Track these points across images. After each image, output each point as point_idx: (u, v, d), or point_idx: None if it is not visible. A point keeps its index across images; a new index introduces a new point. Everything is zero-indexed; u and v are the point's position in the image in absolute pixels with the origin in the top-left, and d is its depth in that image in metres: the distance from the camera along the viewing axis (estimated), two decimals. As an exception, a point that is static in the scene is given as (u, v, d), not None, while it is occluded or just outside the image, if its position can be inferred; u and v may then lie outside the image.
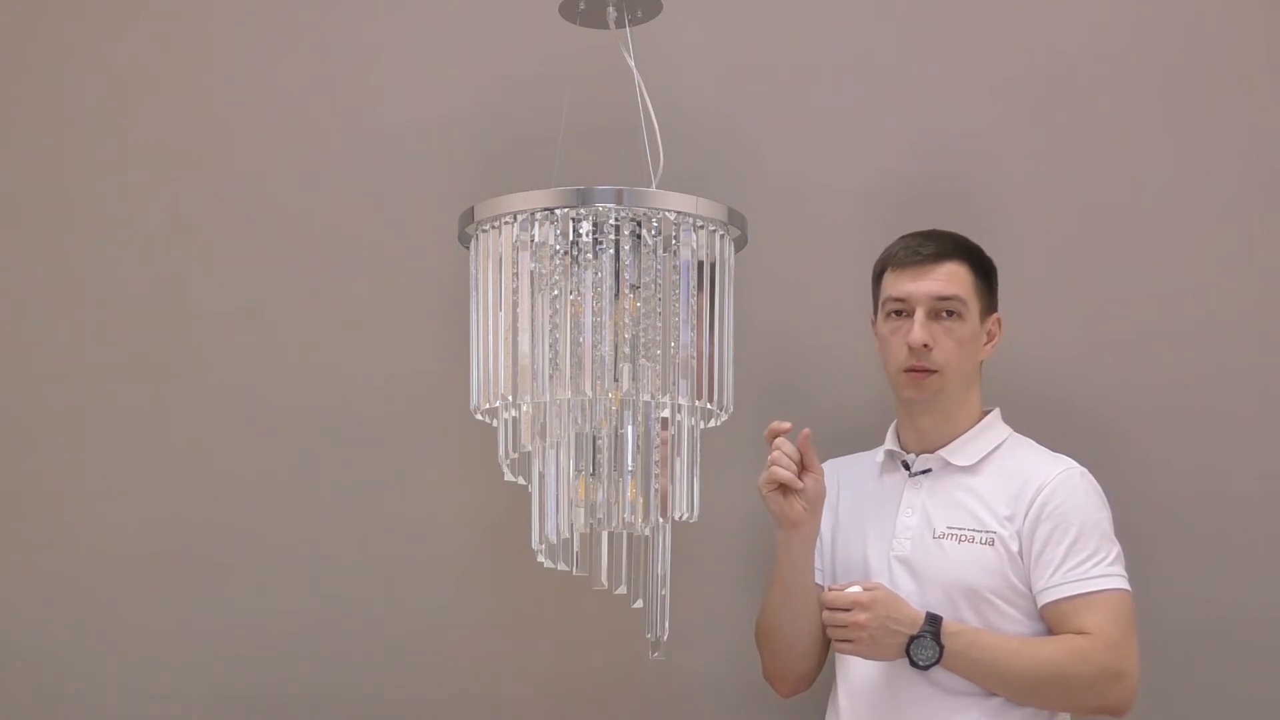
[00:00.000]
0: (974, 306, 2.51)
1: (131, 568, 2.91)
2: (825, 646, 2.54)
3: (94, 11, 2.90)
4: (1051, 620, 2.43)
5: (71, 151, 2.92)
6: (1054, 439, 2.58)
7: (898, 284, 2.52)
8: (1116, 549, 2.45)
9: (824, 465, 2.59)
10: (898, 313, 2.52)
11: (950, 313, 2.49)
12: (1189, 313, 2.87)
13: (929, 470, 2.54)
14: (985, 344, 2.55)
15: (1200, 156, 2.86)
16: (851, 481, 2.60)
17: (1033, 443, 2.57)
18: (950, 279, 2.50)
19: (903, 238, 2.56)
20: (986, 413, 2.58)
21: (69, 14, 2.90)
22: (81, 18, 2.90)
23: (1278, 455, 2.87)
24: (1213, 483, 2.86)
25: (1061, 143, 2.87)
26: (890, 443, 2.60)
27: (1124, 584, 2.43)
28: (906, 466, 2.56)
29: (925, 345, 2.48)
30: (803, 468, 2.43)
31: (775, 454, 2.42)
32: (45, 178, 2.92)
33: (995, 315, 2.56)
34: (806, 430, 2.44)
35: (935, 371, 2.49)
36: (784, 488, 2.42)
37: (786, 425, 2.43)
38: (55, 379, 2.92)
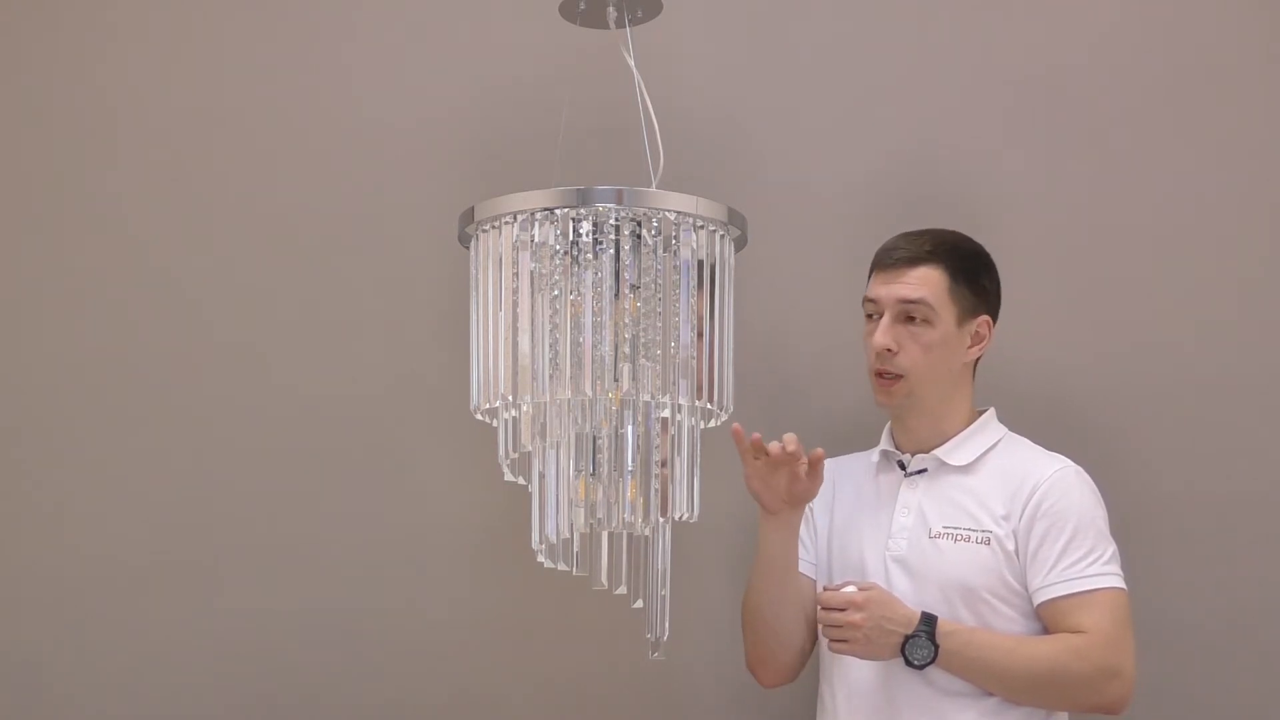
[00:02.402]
0: (947, 312, 2.49)
1: (132, 571, 2.91)
2: (808, 635, 2.54)
3: (97, 12, 2.90)
4: (1048, 619, 2.43)
5: (71, 155, 2.91)
6: (1051, 439, 2.58)
7: (873, 286, 2.53)
8: (1112, 547, 2.45)
9: (827, 463, 2.60)
10: (871, 315, 2.52)
11: (917, 317, 2.49)
12: (1188, 314, 2.87)
13: (924, 470, 2.54)
14: (970, 347, 2.53)
15: (1199, 157, 2.86)
16: (849, 480, 2.61)
17: (1028, 442, 2.56)
18: (918, 284, 2.48)
19: (893, 237, 2.56)
20: (981, 412, 2.58)
21: (72, 16, 2.90)
22: (84, 19, 2.90)
23: (1275, 455, 2.87)
24: (1210, 482, 2.86)
25: (1062, 143, 2.87)
26: (885, 443, 2.60)
27: (1120, 582, 2.43)
28: (902, 466, 2.56)
29: (888, 350, 2.48)
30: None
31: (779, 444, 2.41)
32: (43, 182, 2.92)
33: (983, 318, 2.53)
34: (819, 450, 2.43)
35: (901, 377, 2.49)
36: (771, 471, 2.41)
37: (756, 436, 2.41)
38: (53, 380, 2.92)
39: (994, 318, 2.56)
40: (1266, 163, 2.86)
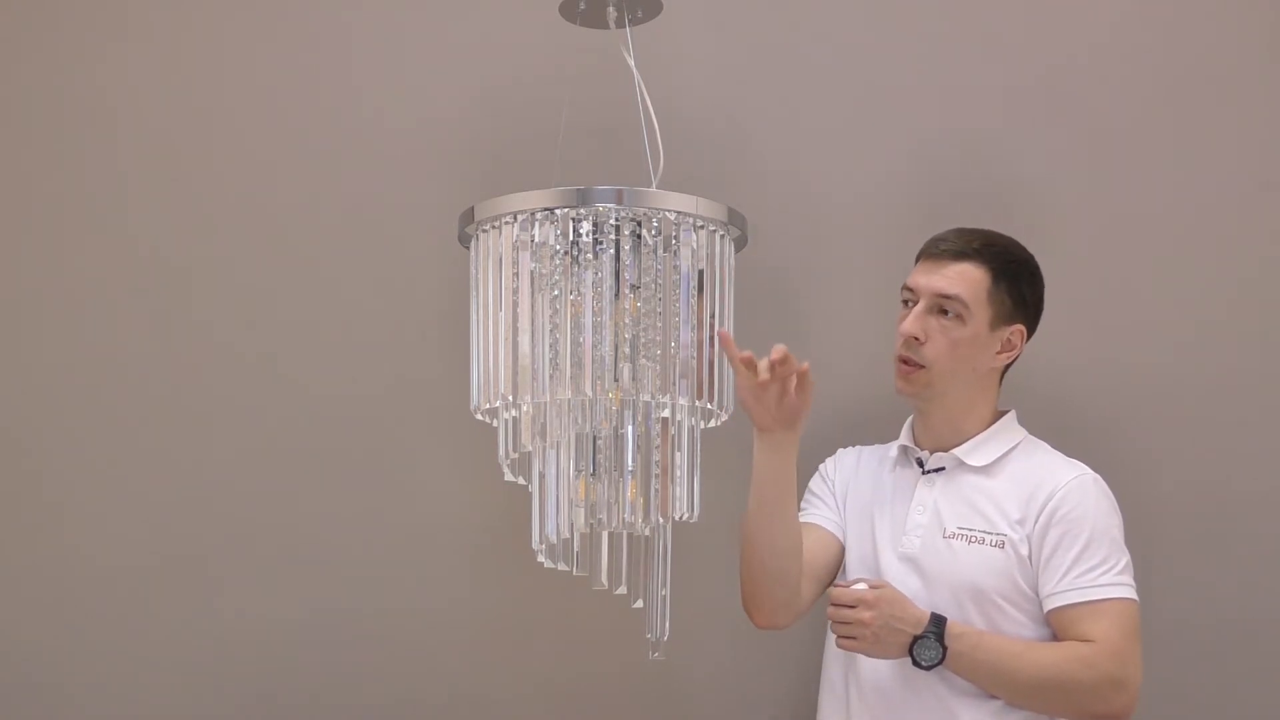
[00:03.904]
0: (981, 312, 2.48)
1: (132, 571, 2.91)
2: (803, 575, 2.49)
3: (97, 14, 2.90)
4: (1057, 626, 2.42)
5: (71, 154, 2.91)
6: (1051, 439, 2.58)
7: (915, 274, 2.51)
8: (1126, 558, 2.43)
9: (849, 450, 2.61)
10: (907, 301, 2.51)
11: (950, 312, 2.48)
12: (1188, 314, 2.87)
13: (942, 469, 2.53)
14: (999, 353, 2.51)
15: (1199, 157, 2.86)
16: (868, 472, 2.60)
17: (1047, 446, 2.55)
18: (957, 279, 2.47)
19: (947, 230, 2.53)
20: (1002, 414, 2.56)
21: (72, 16, 2.90)
22: (84, 19, 2.90)
23: (1275, 455, 2.87)
24: (1210, 482, 2.87)
25: (1062, 143, 2.87)
26: (905, 438, 2.59)
27: (1131, 593, 2.41)
28: (920, 464, 2.55)
29: (915, 338, 2.47)
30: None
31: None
32: (43, 182, 2.92)
33: (1017, 327, 2.51)
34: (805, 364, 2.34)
35: (923, 367, 2.48)
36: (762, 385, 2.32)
37: (748, 353, 2.31)
38: (53, 383, 2.92)
39: (1030, 330, 2.54)
40: (1266, 163, 2.86)
